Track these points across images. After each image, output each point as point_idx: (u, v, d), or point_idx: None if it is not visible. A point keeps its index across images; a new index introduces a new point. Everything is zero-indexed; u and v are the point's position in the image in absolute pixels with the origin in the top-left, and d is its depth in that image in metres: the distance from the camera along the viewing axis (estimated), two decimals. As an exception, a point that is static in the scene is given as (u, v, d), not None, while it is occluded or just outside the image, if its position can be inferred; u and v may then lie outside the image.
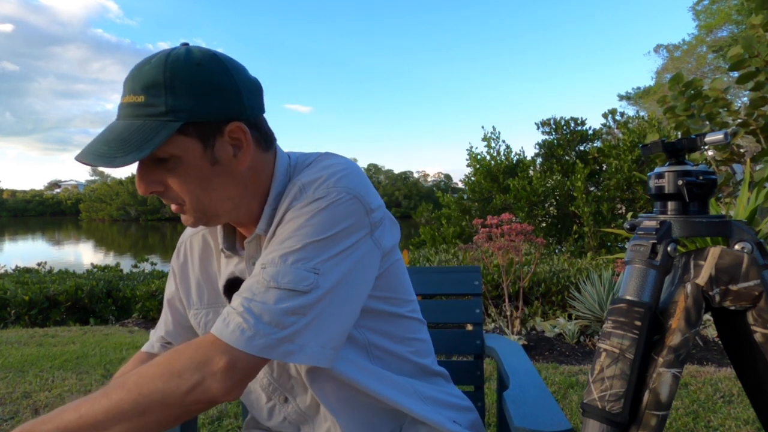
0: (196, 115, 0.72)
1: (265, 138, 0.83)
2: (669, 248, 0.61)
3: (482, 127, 12.49)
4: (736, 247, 0.60)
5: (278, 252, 0.72)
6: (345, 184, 0.77)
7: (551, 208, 8.40)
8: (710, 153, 3.96)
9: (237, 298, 0.71)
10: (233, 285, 0.86)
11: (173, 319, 1.00)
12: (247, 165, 0.79)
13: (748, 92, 3.46)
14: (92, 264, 8.02)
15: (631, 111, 18.54)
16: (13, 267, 7.96)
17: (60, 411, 0.68)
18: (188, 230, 1.01)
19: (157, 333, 1.03)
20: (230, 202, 0.80)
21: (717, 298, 0.58)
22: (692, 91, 3.65)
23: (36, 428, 0.66)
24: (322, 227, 0.73)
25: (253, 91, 0.79)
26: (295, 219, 0.74)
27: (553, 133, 9.44)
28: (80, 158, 0.72)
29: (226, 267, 0.91)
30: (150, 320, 5.07)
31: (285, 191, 0.82)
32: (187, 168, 0.74)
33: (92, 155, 0.71)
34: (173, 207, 0.80)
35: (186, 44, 0.77)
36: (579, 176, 7.44)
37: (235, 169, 0.78)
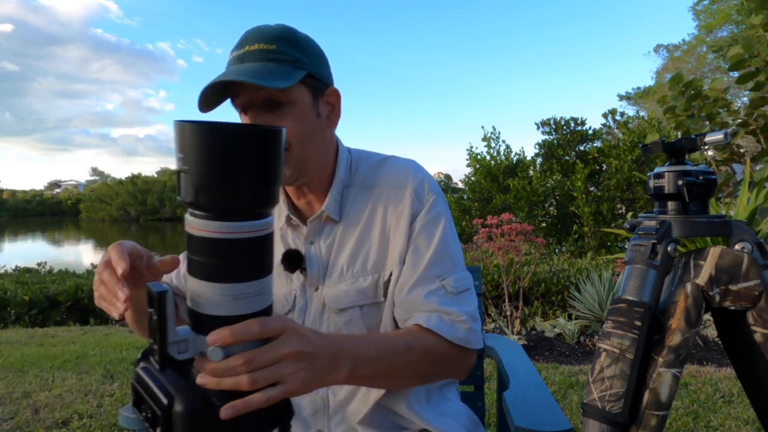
0: (314, 70, 0.82)
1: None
2: (669, 248, 0.61)
3: (482, 127, 12.52)
4: (736, 247, 0.59)
5: (444, 263, 0.86)
6: (436, 186, 0.91)
7: (551, 208, 8.39)
8: (710, 153, 3.96)
9: (449, 310, 0.82)
10: (292, 257, 0.91)
11: None
12: (333, 128, 0.90)
13: (748, 92, 3.45)
14: (92, 264, 8.03)
15: (631, 111, 18.50)
16: (13, 267, 7.96)
17: (378, 354, 0.73)
18: None
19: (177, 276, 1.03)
20: (317, 159, 0.88)
21: (717, 298, 0.58)
22: (692, 91, 3.64)
23: (363, 369, 0.70)
24: (450, 230, 0.89)
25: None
26: (431, 227, 0.87)
27: (553, 133, 9.42)
28: (232, 77, 0.75)
29: (280, 239, 0.95)
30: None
31: (354, 181, 0.92)
32: (299, 114, 0.82)
33: (247, 74, 0.75)
34: None
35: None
36: (579, 176, 7.43)
37: (326, 129, 0.88)
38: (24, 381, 2.89)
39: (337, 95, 0.88)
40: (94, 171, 73.61)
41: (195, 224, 0.49)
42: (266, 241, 0.51)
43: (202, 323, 0.51)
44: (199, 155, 0.46)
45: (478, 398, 1.29)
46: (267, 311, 0.54)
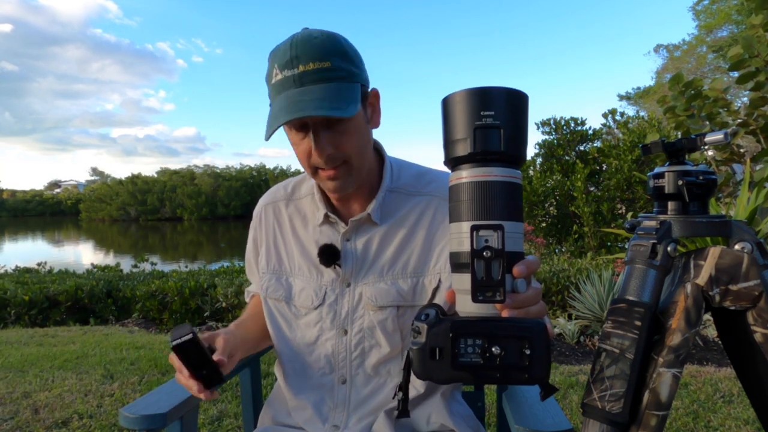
0: (362, 79, 0.81)
1: None
2: (669, 248, 0.61)
3: (482, 127, 12.45)
4: (736, 247, 0.59)
5: None
6: None
7: (551, 208, 8.39)
8: (710, 153, 3.95)
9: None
10: (330, 251, 0.92)
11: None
12: (376, 128, 0.89)
13: (748, 92, 3.45)
14: (92, 264, 8.02)
15: (631, 111, 18.53)
16: (13, 267, 7.96)
17: None
18: (265, 198, 1.06)
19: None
20: (369, 160, 0.89)
21: (717, 298, 0.58)
22: (692, 91, 3.64)
23: None
24: None
25: None
26: None
27: (553, 133, 9.41)
28: (308, 112, 0.73)
29: (314, 235, 0.96)
30: (150, 320, 5.06)
31: (396, 187, 0.93)
32: (356, 127, 0.81)
33: (324, 109, 0.73)
34: (329, 172, 0.83)
35: (306, 29, 0.83)
36: (579, 176, 7.43)
37: (370, 131, 0.87)
38: (24, 381, 2.89)
39: (376, 96, 0.87)
40: (94, 171, 73.48)
41: (497, 172, 0.54)
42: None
43: (511, 261, 0.54)
44: (511, 113, 0.53)
45: (478, 398, 1.29)
46: None
